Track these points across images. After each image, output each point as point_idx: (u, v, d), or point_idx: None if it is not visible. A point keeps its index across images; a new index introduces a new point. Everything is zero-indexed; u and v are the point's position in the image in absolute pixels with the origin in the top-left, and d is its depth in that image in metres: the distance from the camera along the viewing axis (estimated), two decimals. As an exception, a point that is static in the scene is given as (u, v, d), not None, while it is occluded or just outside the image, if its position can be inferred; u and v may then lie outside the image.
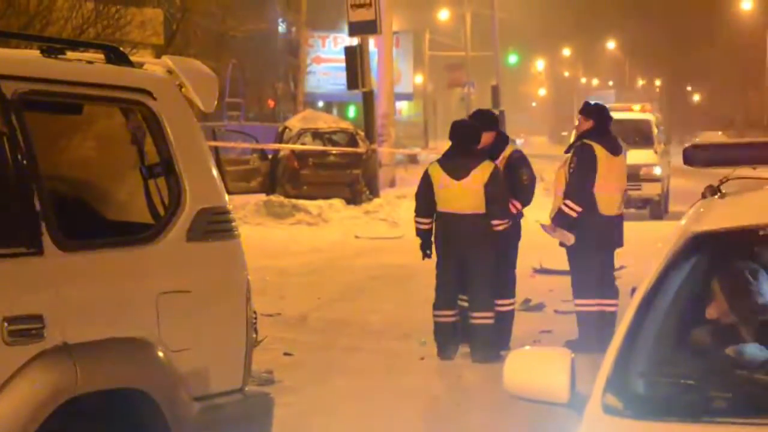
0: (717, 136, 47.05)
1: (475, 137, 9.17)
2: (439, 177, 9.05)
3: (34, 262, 4.14)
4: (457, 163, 9.03)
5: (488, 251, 9.05)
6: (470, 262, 9.06)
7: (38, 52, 4.65)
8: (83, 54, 4.85)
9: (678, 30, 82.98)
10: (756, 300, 3.82)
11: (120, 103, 4.80)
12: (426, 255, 9.31)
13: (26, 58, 4.62)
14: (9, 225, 4.18)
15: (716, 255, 3.84)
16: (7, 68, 4.30)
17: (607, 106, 10.52)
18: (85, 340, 4.20)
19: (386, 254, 16.23)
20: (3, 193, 4.19)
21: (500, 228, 8.98)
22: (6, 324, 3.97)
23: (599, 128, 9.63)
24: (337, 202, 21.58)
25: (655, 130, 22.14)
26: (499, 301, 9.33)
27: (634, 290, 3.74)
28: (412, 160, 44.67)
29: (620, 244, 9.71)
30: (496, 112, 41.87)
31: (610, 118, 9.85)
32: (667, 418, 3.22)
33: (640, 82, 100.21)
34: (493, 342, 9.03)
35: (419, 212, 9.24)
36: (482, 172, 8.92)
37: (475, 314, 9.06)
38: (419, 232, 9.30)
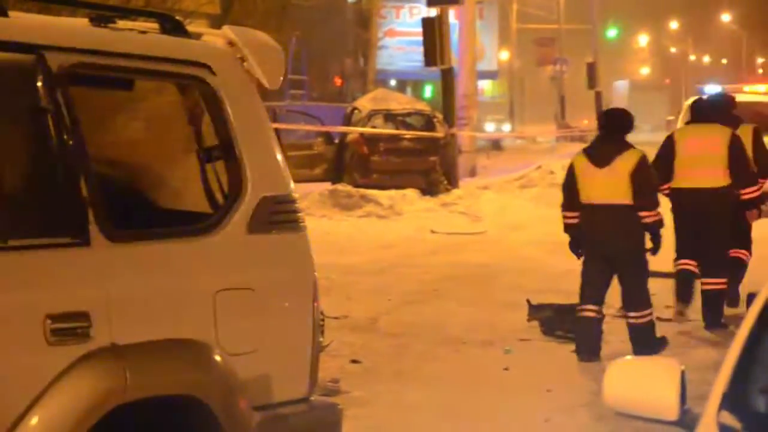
0: None
1: (623, 125, 9.55)
2: (583, 166, 9.48)
3: (80, 253, 4.20)
4: (601, 150, 9.45)
5: (637, 246, 9.41)
6: (617, 259, 9.41)
7: (86, 20, 4.72)
8: (135, 23, 4.90)
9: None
10: None
11: (176, 78, 4.84)
12: (576, 255, 9.72)
13: (73, 27, 4.67)
14: (53, 213, 4.25)
15: None
16: (52, 38, 4.35)
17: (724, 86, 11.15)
18: (136, 341, 4.25)
19: (465, 252, 16.24)
20: (47, 177, 4.25)
21: (649, 221, 9.33)
22: (49, 322, 4.03)
23: None
24: (411, 193, 21.60)
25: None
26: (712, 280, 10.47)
27: (751, 296, 3.71)
28: (496, 146, 44.63)
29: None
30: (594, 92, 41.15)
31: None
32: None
33: (760, 60, 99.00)
34: (651, 344, 9.36)
35: (564, 205, 9.76)
36: (628, 160, 9.29)
37: (631, 314, 9.48)
38: (566, 228, 9.78)
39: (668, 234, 10.09)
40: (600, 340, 9.46)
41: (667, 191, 10.68)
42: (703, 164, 10.56)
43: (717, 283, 10.39)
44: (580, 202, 9.52)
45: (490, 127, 56.20)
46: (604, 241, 9.42)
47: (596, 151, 9.52)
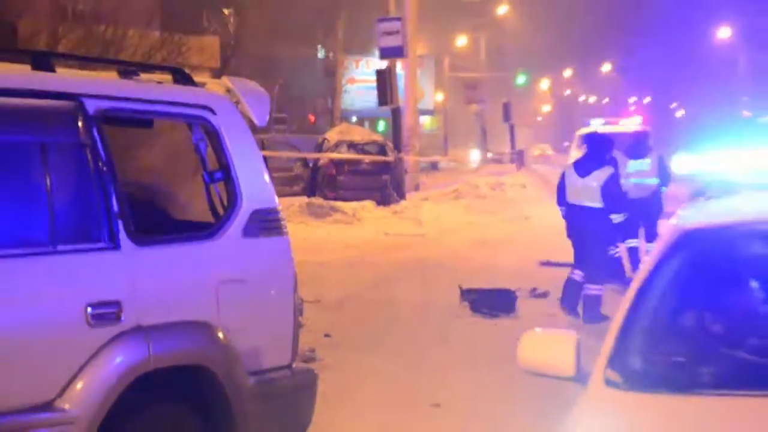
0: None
1: (603, 146, 10.06)
2: (571, 174, 9.90)
3: (113, 255, 4.18)
4: (584, 164, 9.90)
5: (600, 237, 9.77)
6: (586, 244, 9.80)
7: (116, 73, 4.69)
8: (154, 75, 4.88)
9: (663, 53, 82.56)
10: (745, 292, 3.78)
11: (185, 118, 4.81)
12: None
13: (106, 80, 4.65)
14: (91, 223, 4.22)
15: (703, 249, 3.82)
16: (89, 89, 4.34)
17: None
18: (157, 322, 4.22)
19: (412, 249, 16.22)
20: (86, 195, 4.22)
21: (616, 221, 9.70)
22: (89, 309, 4.01)
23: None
24: (369, 204, 21.57)
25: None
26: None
27: (629, 280, 3.72)
28: (434, 167, 44.62)
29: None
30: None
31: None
32: (660, 390, 3.22)
33: (632, 99, 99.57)
34: (597, 311, 9.65)
35: (557, 201, 10.10)
36: (601, 173, 9.70)
37: (587, 285, 9.78)
38: (563, 217, 10.13)
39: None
40: (579, 297, 9.79)
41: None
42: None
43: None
44: (566, 200, 9.89)
45: (474, 154, 55.51)
46: (578, 231, 9.83)
47: (581, 163, 9.88)
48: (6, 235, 3.94)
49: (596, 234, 9.70)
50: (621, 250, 11.40)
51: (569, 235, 10.03)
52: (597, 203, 9.61)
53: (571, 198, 9.82)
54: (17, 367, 3.81)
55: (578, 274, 9.86)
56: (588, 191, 9.66)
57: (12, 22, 20.84)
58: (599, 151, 9.93)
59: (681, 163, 27.89)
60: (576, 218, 9.80)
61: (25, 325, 3.86)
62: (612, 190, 9.64)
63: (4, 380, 3.77)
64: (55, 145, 4.27)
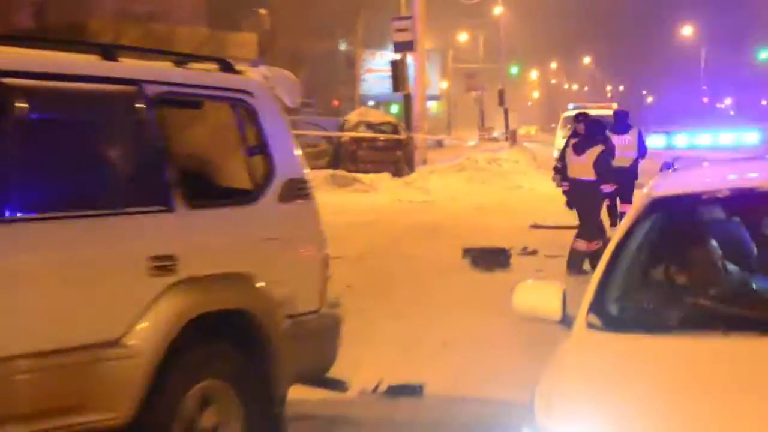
0: None
1: (596, 127, 10.13)
2: (570, 153, 10.00)
3: (169, 216, 4.19)
4: (580, 143, 9.95)
5: (593, 206, 9.89)
6: (582, 211, 9.94)
7: (171, 63, 4.68)
8: (203, 64, 4.87)
9: (633, 48, 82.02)
10: (705, 249, 3.78)
11: (228, 100, 4.80)
12: (569, 207, 10.32)
13: (163, 68, 4.64)
14: (150, 190, 4.23)
15: (670, 213, 3.83)
16: (149, 76, 4.34)
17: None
18: (206, 273, 4.23)
19: (420, 213, 16.24)
20: (146, 167, 4.24)
21: (607, 191, 9.91)
22: (150, 261, 4.03)
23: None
24: (385, 176, 21.57)
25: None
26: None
27: (607, 241, 3.72)
28: (439, 144, 44.49)
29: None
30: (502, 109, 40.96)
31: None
32: (634, 331, 3.24)
33: (609, 88, 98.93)
34: (579, 263, 9.76)
35: (562, 178, 10.15)
36: (593, 151, 9.82)
37: (577, 240, 9.88)
38: (563, 192, 10.25)
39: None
40: (582, 263, 9.77)
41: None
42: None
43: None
44: (567, 176, 9.99)
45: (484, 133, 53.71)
46: (577, 201, 9.92)
47: (578, 143, 9.95)
48: (80, 199, 3.96)
49: (592, 202, 9.85)
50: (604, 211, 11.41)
51: (571, 205, 10.13)
52: (591, 176, 9.73)
53: (571, 173, 9.97)
54: (92, 310, 3.85)
55: (581, 243, 9.82)
56: (583, 167, 9.80)
57: (82, 22, 20.89)
58: (592, 132, 10.01)
59: (652, 141, 27.91)
60: (575, 190, 9.92)
61: (98, 275, 3.89)
62: (601, 165, 9.78)
63: (83, 320, 3.81)
64: (119, 123, 4.28)
